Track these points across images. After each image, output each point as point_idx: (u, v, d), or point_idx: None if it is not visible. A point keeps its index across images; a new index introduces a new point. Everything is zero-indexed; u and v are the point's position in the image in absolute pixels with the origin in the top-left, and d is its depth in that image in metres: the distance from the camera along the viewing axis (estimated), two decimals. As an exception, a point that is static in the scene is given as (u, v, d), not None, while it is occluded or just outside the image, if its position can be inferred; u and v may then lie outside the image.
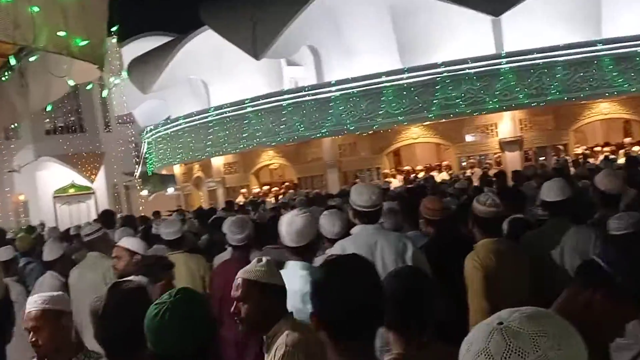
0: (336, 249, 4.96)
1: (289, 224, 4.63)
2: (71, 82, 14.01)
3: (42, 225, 19.28)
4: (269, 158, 29.51)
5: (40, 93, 14.80)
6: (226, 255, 6.87)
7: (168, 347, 2.64)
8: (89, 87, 15.31)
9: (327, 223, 5.50)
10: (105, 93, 25.67)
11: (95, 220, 12.54)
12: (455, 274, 5.09)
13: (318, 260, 4.54)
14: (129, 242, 6.01)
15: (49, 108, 17.11)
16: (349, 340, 2.51)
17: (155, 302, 2.68)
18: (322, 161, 27.54)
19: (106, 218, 11.00)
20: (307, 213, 4.81)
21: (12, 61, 13.00)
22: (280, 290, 3.34)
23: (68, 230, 14.19)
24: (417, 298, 3.00)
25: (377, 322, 2.61)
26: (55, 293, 3.89)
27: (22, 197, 34.26)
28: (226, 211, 13.62)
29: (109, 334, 3.32)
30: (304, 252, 4.61)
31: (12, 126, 26.02)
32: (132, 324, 2.89)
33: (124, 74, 15.15)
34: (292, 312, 3.39)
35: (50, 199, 34.44)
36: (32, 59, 13.30)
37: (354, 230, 5.30)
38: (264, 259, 3.39)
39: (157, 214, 18.07)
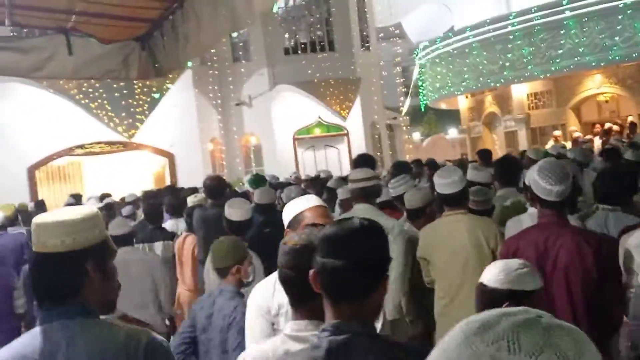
0: None
1: None
2: None
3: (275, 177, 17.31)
4: (597, 85, 25.39)
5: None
6: (524, 218, 6.02)
7: None
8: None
9: None
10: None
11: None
12: None
13: None
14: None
15: (275, 9, 15.46)
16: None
17: None
18: (680, 91, 24.15)
19: (365, 164, 8.88)
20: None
21: None
22: None
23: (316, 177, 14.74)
24: None
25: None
26: None
27: (253, 140, 30.70)
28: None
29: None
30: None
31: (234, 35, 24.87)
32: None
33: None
34: None
35: (289, 142, 30.47)
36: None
37: None
38: None
39: (432, 164, 15.36)
